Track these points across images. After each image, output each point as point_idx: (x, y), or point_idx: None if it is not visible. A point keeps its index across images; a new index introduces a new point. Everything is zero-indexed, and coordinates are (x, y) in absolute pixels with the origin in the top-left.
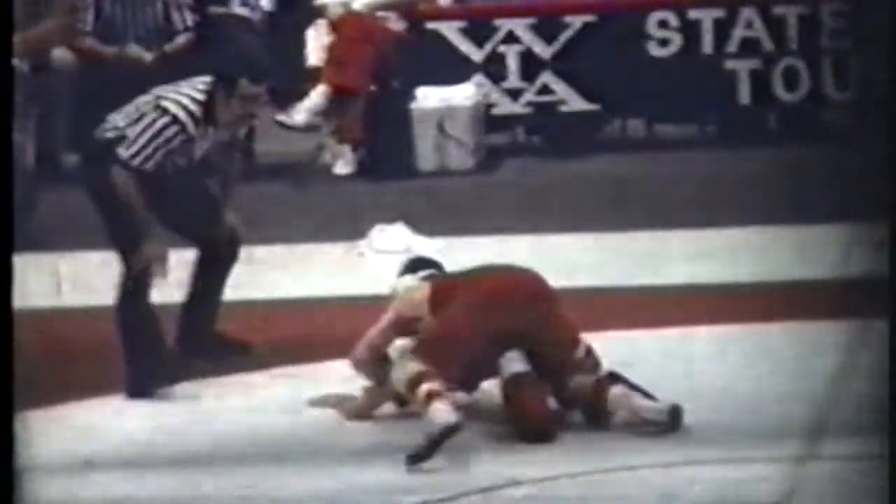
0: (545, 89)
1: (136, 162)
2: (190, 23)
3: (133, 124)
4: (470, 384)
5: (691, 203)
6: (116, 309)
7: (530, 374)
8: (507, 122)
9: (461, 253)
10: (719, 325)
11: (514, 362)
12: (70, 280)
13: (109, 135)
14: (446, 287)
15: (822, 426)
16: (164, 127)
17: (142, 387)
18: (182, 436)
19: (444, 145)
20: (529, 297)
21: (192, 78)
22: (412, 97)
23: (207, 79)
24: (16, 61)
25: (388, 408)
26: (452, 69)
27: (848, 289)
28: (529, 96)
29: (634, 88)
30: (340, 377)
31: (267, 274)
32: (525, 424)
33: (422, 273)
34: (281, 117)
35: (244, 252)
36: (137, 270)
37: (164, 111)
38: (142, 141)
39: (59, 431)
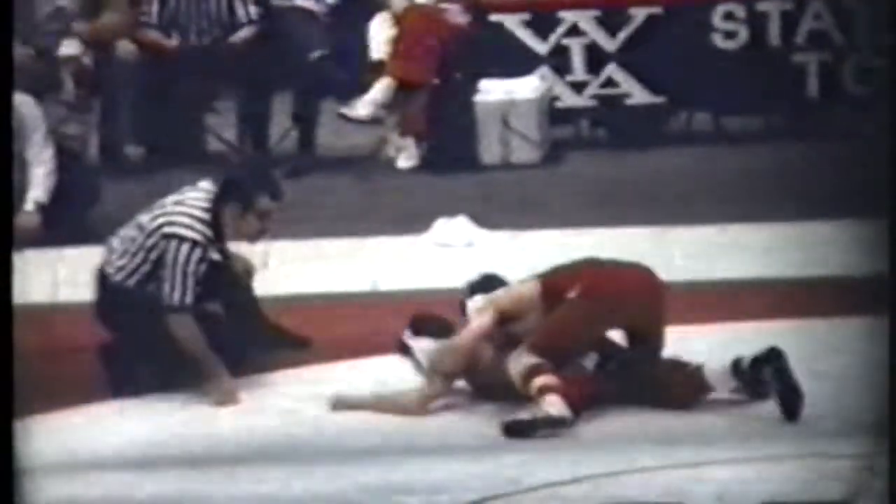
0: (610, 82)
1: (187, 301)
2: (254, 15)
3: (150, 262)
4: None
5: (758, 197)
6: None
7: (590, 376)
8: (571, 115)
9: (524, 247)
10: (794, 318)
11: (589, 359)
12: None
13: (120, 277)
14: (556, 281)
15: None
16: (189, 254)
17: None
18: (182, 436)
19: (507, 138)
20: (644, 291)
21: (183, 193)
22: (476, 90)
23: (202, 194)
24: (78, 52)
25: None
26: (516, 62)
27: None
28: (594, 89)
29: (700, 81)
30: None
31: (328, 268)
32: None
33: (494, 293)
34: (344, 110)
35: (306, 245)
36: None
37: (181, 239)
38: (179, 278)
39: (59, 432)
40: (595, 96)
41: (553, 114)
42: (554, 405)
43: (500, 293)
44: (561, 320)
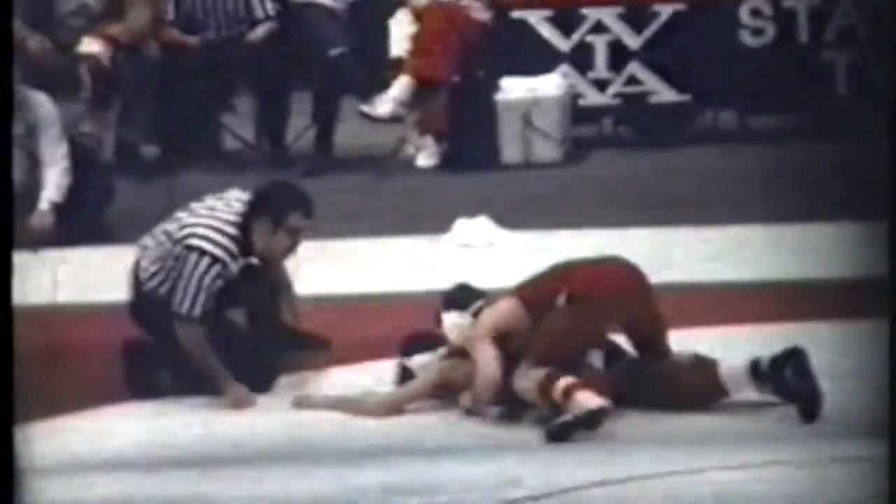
0: (633, 80)
1: (195, 313)
2: (271, 11)
3: (167, 270)
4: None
5: (786, 197)
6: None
7: (602, 374)
8: (594, 113)
9: (546, 247)
10: (822, 320)
11: (596, 358)
12: None
13: (153, 284)
14: (538, 292)
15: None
16: (207, 269)
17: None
18: (182, 436)
19: (529, 137)
20: (631, 286)
21: (216, 200)
22: (497, 88)
23: (234, 206)
24: (99, 50)
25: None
26: (538, 59)
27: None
28: (617, 87)
29: (726, 79)
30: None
31: (346, 268)
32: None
33: (473, 307)
34: (364, 108)
35: (323, 246)
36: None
37: (202, 252)
38: (192, 290)
39: (59, 433)
40: (618, 94)
41: (575, 112)
42: (588, 399)
43: (484, 318)
44: (555, 331)
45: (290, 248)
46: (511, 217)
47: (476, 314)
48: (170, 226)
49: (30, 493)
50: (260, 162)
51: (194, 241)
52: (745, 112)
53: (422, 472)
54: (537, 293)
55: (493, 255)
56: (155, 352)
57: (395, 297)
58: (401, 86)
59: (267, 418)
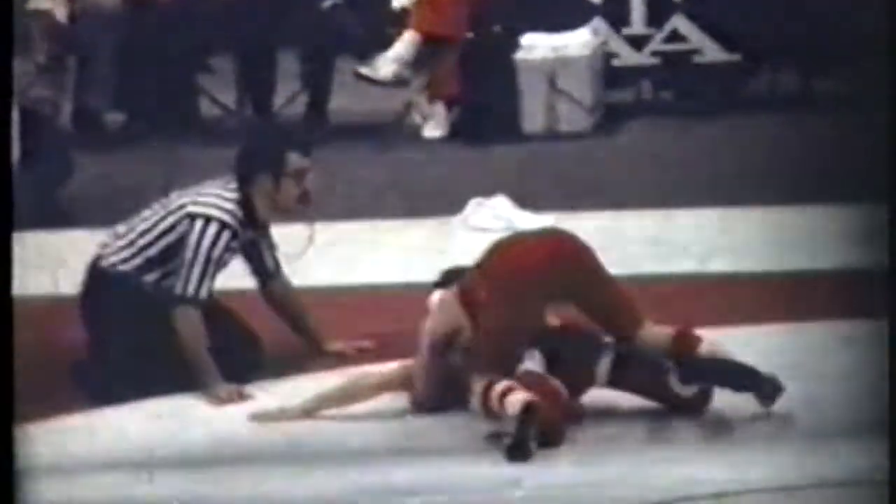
0: (676, 36)
1: (201, 295)
2: None
3: (160, 247)
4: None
5: (857, 173)
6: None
7: (543, 376)
8: (630, 75)
9: (573, 231)
10: None
11: (533, 361)
12: None
13: (113, 260)
14: (472, 283)
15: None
16: (217, 237)
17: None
18: (182, 436)
19: (554, 103)
20: (564, 256)
21: (205, 182)
22: (517, 46)
23: (227, 181)
24: (51, 5)
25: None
26: (565, 12)
27: None
28: (656, 45)
29: (785, 35)
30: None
31: (343, 255)
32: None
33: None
34: (363, 69)
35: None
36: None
37: (208, 219)
38: (199, 266)
39: (58, 434)
40: (658, 53)
41: (608, 74)
42: (512, 404)
43: (429, 321)
44: (485, 335)
45: (303, 195)
46: (533, 196)
47: (447, 284)
48: (155, 205)
49: (30, 493)
50: (242, 131)
51: (197, 209)
52: (807, 73)
53: (422, 472)
54: (470, 292)
55: None
56: (111, 347)
57: (397, 289)
58: (405, 43)
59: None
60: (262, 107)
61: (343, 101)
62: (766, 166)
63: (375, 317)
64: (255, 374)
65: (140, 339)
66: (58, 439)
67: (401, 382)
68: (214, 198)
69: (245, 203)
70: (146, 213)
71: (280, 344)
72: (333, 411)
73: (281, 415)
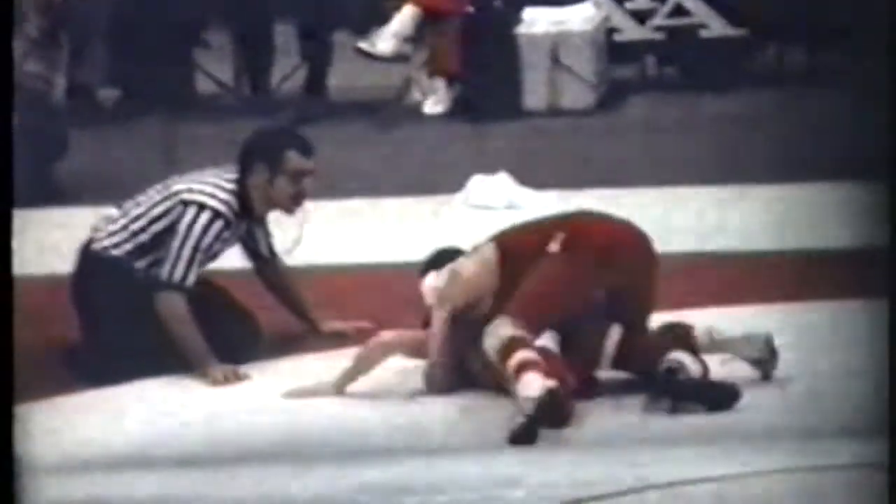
0: (680, 10)
1: (187, 282)
2: None
3: (151, 233)
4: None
5: (865, 150)
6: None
7: (557, 357)
8: (633, 50)
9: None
10: None
11: (549, 339)
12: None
13: (105, 244)
14: (522, 236)
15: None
16: (208, 225)
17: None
18: (182, 436)
19: (556, 79)
20: (637, 250)
21: (203, 170)
22: (518, 20)
23: (225, 171)
24: None
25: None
26: None
27: None
28: (660, 19)
29: (792, 8)
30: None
31: (342, 233)
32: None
33: (448, 265)
34: (362, 45)
35: (315, 207)
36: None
37: (201, 207)
38: (187, 253)
39: (58, 431)
40: (662, 28)
41: (611, 49)
42: (530, 385)
43: (447, 285)
44: (543, 279)
45: (297, 197)
46: (535, 174)
47: (490, 239)
48: (150, 191)
49: (30, 493)
50: (240, 107)
51: (191, 196)
52: (814, 47)
53: (422, 472)
54: (522, 239)
55: (513, 218)
56: (101, 333)
57: (397, 268)
58: (404, 17)
59: (267, 416)
60: (259, 82)
61: (342, 77)
62: (772, 143)
63: (375, 295)
64: (251, 353)
65: (131, 324)
66: (58, 438)
67: (416, 348)
68: (211, 186)
69: (241, 194)
70: (141, 197)
71: (277, 324)
72: (360, 382)
73: (314, 391)
